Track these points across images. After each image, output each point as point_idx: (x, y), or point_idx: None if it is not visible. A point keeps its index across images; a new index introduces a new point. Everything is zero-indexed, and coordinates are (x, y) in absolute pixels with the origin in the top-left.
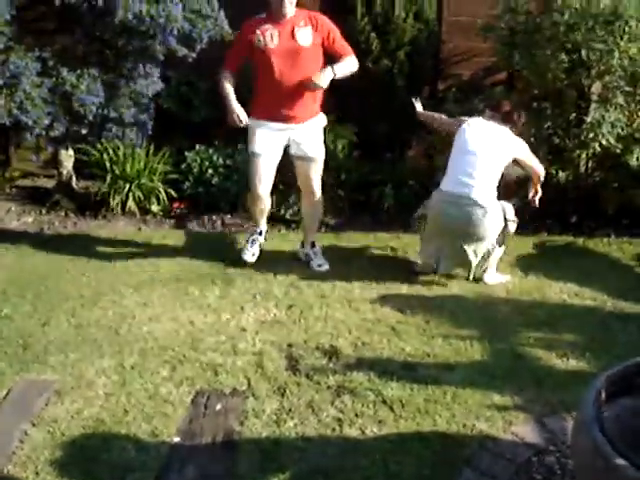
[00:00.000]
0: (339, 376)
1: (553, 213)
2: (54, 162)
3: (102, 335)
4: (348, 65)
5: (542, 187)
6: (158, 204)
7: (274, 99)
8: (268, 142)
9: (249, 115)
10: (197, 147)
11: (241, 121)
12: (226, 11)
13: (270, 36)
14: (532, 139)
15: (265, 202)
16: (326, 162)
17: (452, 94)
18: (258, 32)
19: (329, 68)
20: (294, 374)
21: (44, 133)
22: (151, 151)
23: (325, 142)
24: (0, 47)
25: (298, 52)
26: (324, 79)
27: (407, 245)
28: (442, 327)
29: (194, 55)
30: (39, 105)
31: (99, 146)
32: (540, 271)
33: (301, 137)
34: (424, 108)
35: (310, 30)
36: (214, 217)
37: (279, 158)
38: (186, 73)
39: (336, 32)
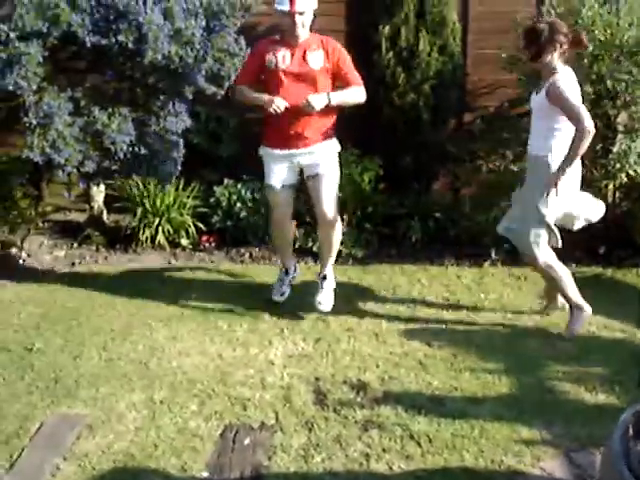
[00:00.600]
0: (366, 410)
1: (581, 244)
2: (85, 197)
3: (132, 369)
4: (351, 94)
5: None
6: (187, 238)
7: (284, 121)
8: (283, 173)
9: (261, 144)
10: (226, 181)
11: (279, 106)
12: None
13: (282, 57)
14: None
15: (287, 231)
16: (353, 195)
17: (478, 126)
18: (270, 52)
19: (325, 93)
20: (322, 408)
21: (76, 170)
22: (181, 186)
23: (350, 175)
24: (33, 88)
25: (309, 75)
26: (317, 102)
27: (434, 277)
28: (469, 360)
29: (222, 92)
30: (71, 144)
31: (130, 181)
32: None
33: (313, 159)
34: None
35: (322, 54)
36: (242, 250)
37: (296, 185)
38: (215, 108)
39: (346, 60)
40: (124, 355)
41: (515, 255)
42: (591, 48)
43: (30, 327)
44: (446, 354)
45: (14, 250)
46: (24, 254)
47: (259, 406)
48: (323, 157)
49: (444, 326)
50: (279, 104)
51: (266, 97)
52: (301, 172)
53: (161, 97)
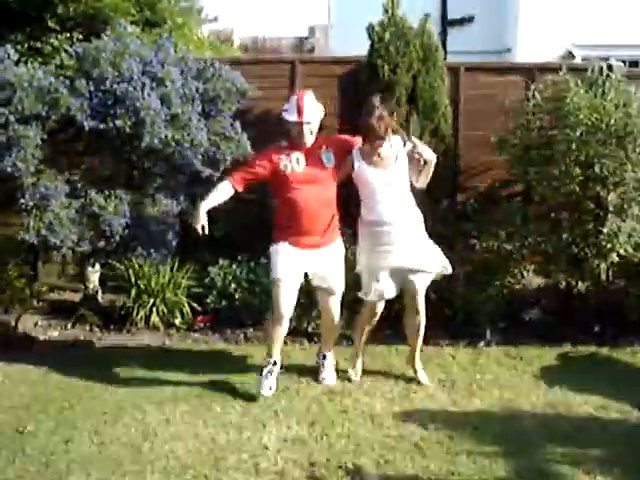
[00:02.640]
0: None
1: (575, 323)
2: (80, 277)
3: (124, 453)
4: None
5: (564, 297)
6: (182, 318)
7: (296, 223)
8: (290, 267)
9: (271, 241)
10: (220, 262)
11: (202, 231)
12: (247, 132)
13: (296, 160)
14: (550, 250)
15: (285, 327)
16: (346, 276)
17: (470, 206)
18: (284, 156)
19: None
20: None
21: (71, 251)
22: (175, 266)
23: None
24: (31, 170)
25: (323, 174)
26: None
27: (429, 358)
28: (466, 443)
29: (218, 174)
30: (67, 225)
31: (125, 261)
32: (564, 383)
33: (322, 267)
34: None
35: (331, 152)
36: (237, 331)
37: (300, 283)
38: (210, 189)
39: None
40: (116, 439)
41: (510, 335)
42: (578, 132)
43: (21, 409)
44: (442, 436)
45: (8, 330)
46: (18, 334)
47: None
48: (333, 266)
49: (440, 407)
50: (201, 231)
51: (201, 214)
52: (306, 275)
53: (158, 180)
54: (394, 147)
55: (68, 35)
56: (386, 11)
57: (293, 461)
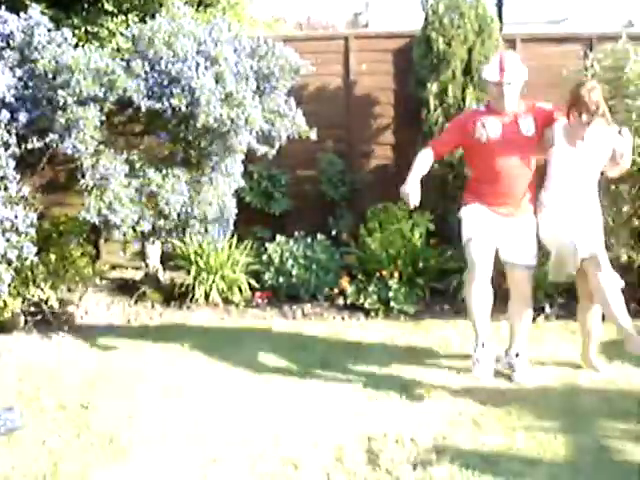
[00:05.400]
0: (419, 471)
1: (636, 297)
2: (141, 255)
3: (186, 427)
4: None
5: (624, 271)
6: (240, 295)
7: (489, 191)
8: (482, 226)
9: (463, 204)
10: (278, 238)
11: (409, 202)
12: (302, 109)
13: (492, 127)
14: (610, 223)
15: (487, 291)
16: (404, 250)
17: None
18: (479, 123)
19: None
20: (374, 469)
21: (131, 230)
22: (233, 243)
23: (401, 230)
24: (91, 151)
25: (520, 142)
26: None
27: None
28: (525, 419)
29: (274, 152)
30: (126, 204)
31: (184, 239)
32: (625, 358)
33: (513, 239)
34: None
35: (532, 119)
36: (294, 307)
37: (494, 247)
38: (266, 167)
39: (545, 105)
40: (178, 413)
41: (570, 309)
42: (638, 102)
43: (86, 384)
44: (500, 412)
45: (72, 308)
46: (82, 311)
47: (310, 467)
48: (523, 238)
49: (498, 383)
50: (412, 200)
51: (412, 184)
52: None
53: (214, 158)
54: (602, 133)
55: (124, 18)
56: None
57: (351, 434)
